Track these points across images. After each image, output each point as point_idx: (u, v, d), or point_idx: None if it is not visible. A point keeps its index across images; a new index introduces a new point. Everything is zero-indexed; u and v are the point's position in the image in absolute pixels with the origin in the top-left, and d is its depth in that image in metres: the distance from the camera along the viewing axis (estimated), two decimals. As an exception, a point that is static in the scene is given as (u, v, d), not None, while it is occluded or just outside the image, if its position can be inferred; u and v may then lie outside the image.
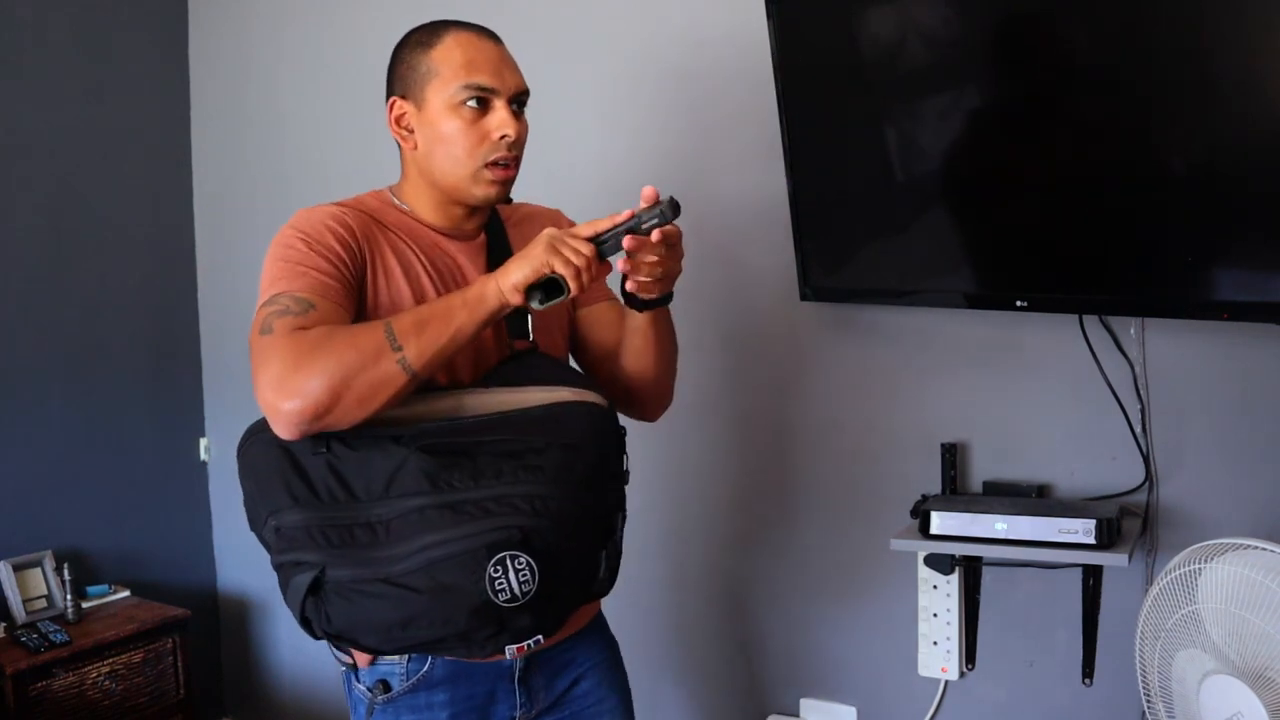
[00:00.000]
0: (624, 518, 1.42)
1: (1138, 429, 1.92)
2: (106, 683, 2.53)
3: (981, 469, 2.07)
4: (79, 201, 2.79)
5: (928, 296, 2.00)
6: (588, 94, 2.43)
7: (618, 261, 1.37)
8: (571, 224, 1.60)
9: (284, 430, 1.28)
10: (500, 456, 1.32)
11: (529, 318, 1.48)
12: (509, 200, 1.54)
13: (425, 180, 1.48)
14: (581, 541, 1.35)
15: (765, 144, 2.09)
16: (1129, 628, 1.70)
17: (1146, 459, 1.92)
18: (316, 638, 1.34)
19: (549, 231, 1.34)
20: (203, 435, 3.09)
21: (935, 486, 2.07)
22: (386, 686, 1.45)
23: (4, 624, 2.53)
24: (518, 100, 1.47)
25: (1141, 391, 1.92)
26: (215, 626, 3.10)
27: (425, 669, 1.44)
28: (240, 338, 2.97)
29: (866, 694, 2.22)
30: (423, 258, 1.47)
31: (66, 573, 2.59)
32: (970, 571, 2.06)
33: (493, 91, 1.44)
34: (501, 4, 2.54)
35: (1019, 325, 1.99)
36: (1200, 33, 1.62)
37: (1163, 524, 1.93)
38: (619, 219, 1.34)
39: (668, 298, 1.46)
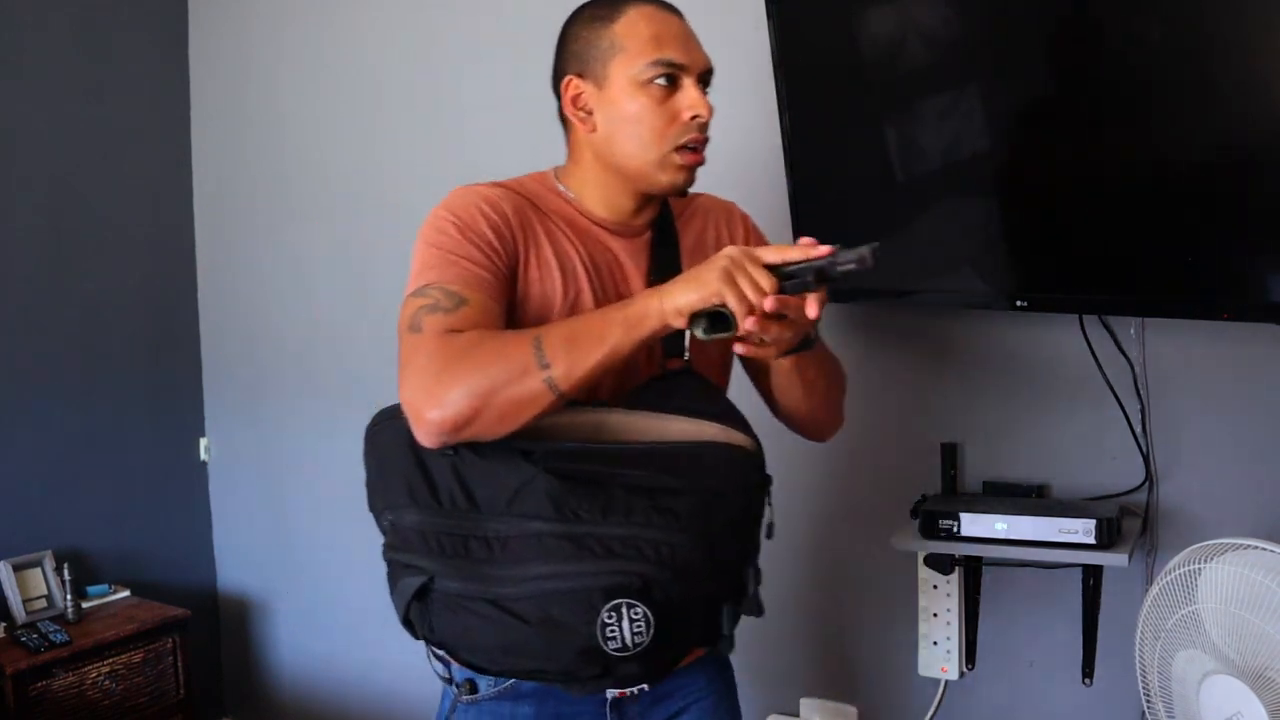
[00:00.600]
0: (758, 573, 1.31)
1: (1138, 429, 1.92)
2: (106, 683, 2.53)
3: (981, 469, 2.07)
4: (79, 201, 2.79)
5: (928, 296, 2.00)
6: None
7: (746, 320, 1.19)
8: (744, 220, 1.52)
9: (425, 438, 1.23)
10: (633, 492, 1.22)
11: (686, 333, 1.32)
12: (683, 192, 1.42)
13: (602, 166, 1.37)
14: (706, 595, 1.25)
15: (765, 144, 2.09)
16: (1129, 628, 1.70)
17: (1146, 459, 1.92)
18: (417, 638, 1.30)
19: (730, 254, 1.20)
20: (203, 435, 3.08)
21: (935, 486, 2.07)
22: (473, 687, 1.36)
23: (4, 624, 2.53)
24: (704, 79, 1.36)
25: (1141, 391, 1.92)
26: (215, 626, 3.10)
27: (514, 679, 1.36)
28: (240, 338, 3.00)
29: (866, 694, 2.22)
30: (582, 252, 1.37)
31: (66, 573, 2.59)
32: (970, 571, 2.06)
33: (682, 68, 1.33)
34: (498, 3, 2.54)
35: (1019, 325, 1.99)
36: (1199, 31, 1.62)
37: (1163, 524, 1.92)
38: (812, 253, 1.19)
39: (810, 342, 1.34)
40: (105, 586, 2.75)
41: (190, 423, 3.06)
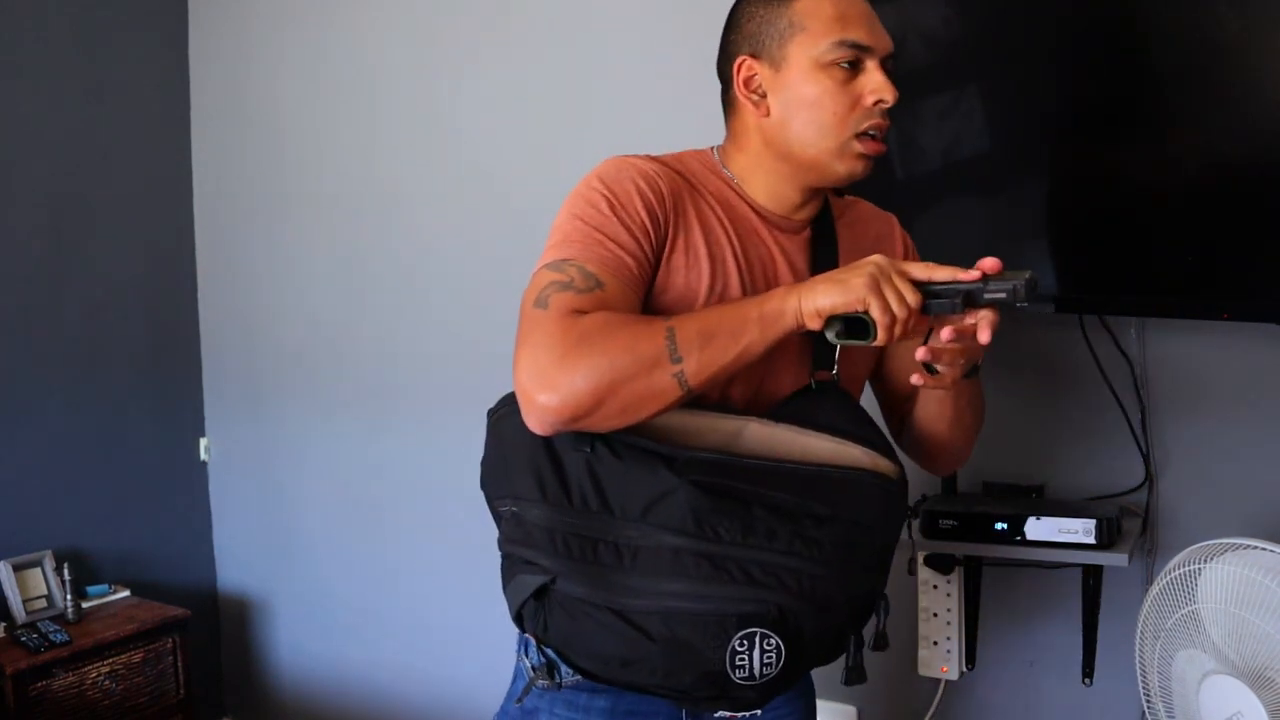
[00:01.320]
0: (887, 604, 1.27)
1: (1138, 429, 1.92)
2: (106, 683, 2.53)
3: (981, 469, 2.06)
4: (79, 201, 2.79)
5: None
6: (587, 92, 2.42)
7: (918, 349, 1.18)
8: (904, 236, 1.46)
9: (535, 424, 1.16)
10: (776, 515, 1.16)
11: (838, 347, 1.28)
12: (840, 193, 1.38)
13: (773, 153, 1.29)
14: (838, 627, 1.21)
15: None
16: (1129, 628, 1.70)
17: (1146, 459, 1.92)
18: (523, 632, 1.27)
19: (877, 261, 1.15)
20: (203, 435, 3.08)
21: (935, 486, 2.07)
22: (551, 672, 1.29)
23: (4, 624, 2.53)
24: (888, 61, 1.27)
25: (1141, 391, 1.92)
26: (215, 626, 3.10)
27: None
28: (240, 338, 3.00)
29: (866, 694, 2.22)
30: (736, 243, 1.29)
31: (66, 573, 2.59)
32: (970, 571, 2.05)
33: (867, 49, 1.24)
34: (498, 3, 2.54)
35: (1018, 325, 1.99)
36: (1201, 31, 1.62)
37: (1163, 524, 1.92)
38: (962, 275, 1.14)
39: (976, 369, 1.30)
40: (105, 586, 2.75)
41: (190, 423, 3.06)
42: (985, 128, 1.84)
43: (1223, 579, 1.50)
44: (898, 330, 1.13)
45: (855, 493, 1.21)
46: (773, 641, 1.14)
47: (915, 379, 1.22)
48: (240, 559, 3.07)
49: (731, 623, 1.14)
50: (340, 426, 2.83)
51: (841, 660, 1.26)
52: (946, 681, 2.12)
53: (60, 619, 2.57)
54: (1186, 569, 1.55)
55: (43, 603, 2.60)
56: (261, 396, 2.97)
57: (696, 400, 1.20)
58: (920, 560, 2.05)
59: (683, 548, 1.15)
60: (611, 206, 1.23)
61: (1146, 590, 1.66)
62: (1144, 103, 1.69)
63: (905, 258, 1.45)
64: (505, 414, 1.27)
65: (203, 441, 3.09)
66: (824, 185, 1.31)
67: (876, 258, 1.16)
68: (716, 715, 1.28)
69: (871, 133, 1.26)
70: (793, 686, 1.30)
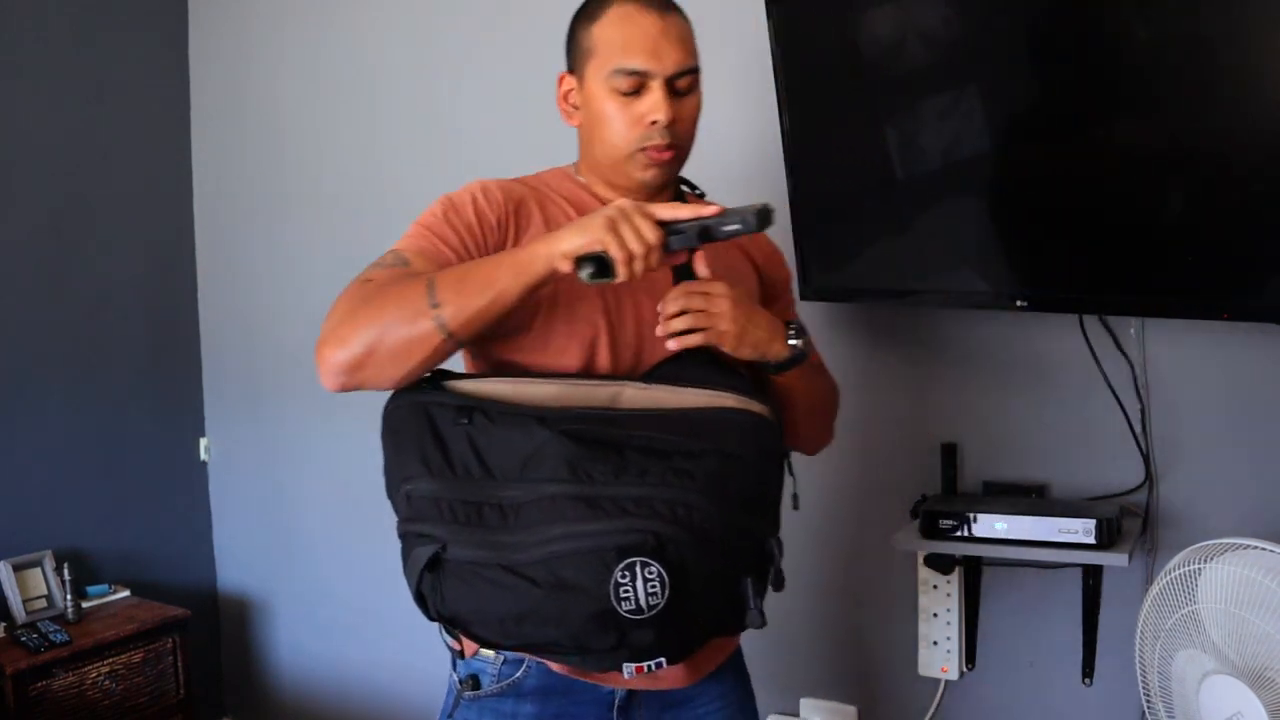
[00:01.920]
0: (781, 546, 1.29)
1: (1138, 429, 1.92)
2: (106, 683, 2.53)
3: (981, 469, 2.07)
4: (79, 201, 2.79)
5: (928, 296, 2.00)
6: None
7: (622, 269, 1.23)
8: (785, 269, 1.58)
9: (325, 380, 1.25)
10: (648, 455, 1.22)
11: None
12: (700, 193, 1.47)
13: (591, 158, 1.43)
14: (724, 564, 1.23)
15: (765, 144, 2.09)
16: (1129, 628, 1.70)
17: (1146, 459, 1.92)
18: (430, 619, 1.29)
19: (620, 204, 1.23)
20: (203, 435, 3.08)
21: (935, 486, 2.07)
22: (476, 683, 1.37)
23: (4, 624, 2.53)
24: (680, 77, 1.36)
25: (1141, 391, 1.92)
26: (215, 626, 3.10)
27: (518, 674, 1.35)
28: (240, 338, 3.00)
29: (866, 694, 2.22)
30: None
31: (66, 573, 2.59)
32: (970, 571, 2.06)
33: (645, 74, 1.34)
34: (498, 4, 2.54)
35: (1019, 325, 1.99)
36: (1199, 31, 1.62)
37: (1163, 524, 1.92)
38: (704, 211, 1.24)
39: (799, 358, 1.37)
40: (105, 586, 2.75)
41: (190, 423, 3.06)
42: (985, 128, 1.84)
43: (1223, 579, 1.50)
44: (637, 266, 1.20)
45: (725, 428, 1.27)
46: (654, 569, 1.16)
47: (671, 344, 1.30)
48: (240, 559, 3.07)
49: (611, 555, 1.16)
50: (340, 426, 2.83)
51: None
52: (946, 681, 2.12)
53: (60, 619, 2.57)
54: (1186, 569, 1.56)
55: (43, 603, 2.60)
56: (261, 396, 2.97)
57: (575, 372, 1.33)
58: (920, 560, 2.05)
59: (559, 494, 1.20)
60: (445, 212, 1.36)
61: (1146, 590, 1.66)
62: (1144, 102, 1.69)
63: (770, 256, 1.56)
64: (391, 408, 1.32)
65: (203, 441, 3.09)
66: (639, 188, 1.40)
67: (621, 201, 1.24)
68: (626, 674, 1.26)
69: (655, 147, 1.36)
70: (696, 637, 1.28)
